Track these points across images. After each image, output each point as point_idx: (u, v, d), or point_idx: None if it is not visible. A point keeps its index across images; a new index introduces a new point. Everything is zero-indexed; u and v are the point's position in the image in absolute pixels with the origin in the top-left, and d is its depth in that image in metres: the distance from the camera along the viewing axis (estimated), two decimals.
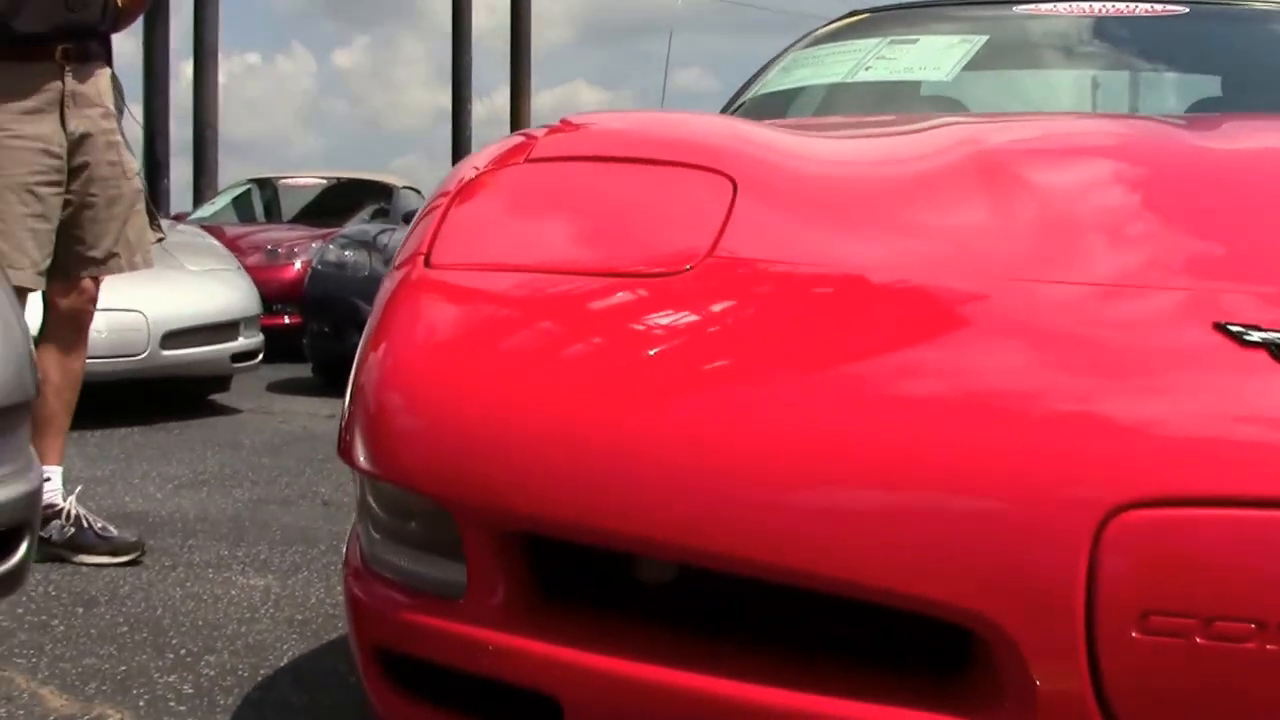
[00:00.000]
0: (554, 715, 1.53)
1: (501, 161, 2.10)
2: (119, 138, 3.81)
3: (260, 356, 7.48)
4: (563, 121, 2.33)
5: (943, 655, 1.48)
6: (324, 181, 13.97)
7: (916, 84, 3.60)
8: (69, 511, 3.75)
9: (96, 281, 3.84)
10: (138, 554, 3.76)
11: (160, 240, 4.03)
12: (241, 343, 7.23)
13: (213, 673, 2.78)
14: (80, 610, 3.24)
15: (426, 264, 1.84)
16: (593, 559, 1.61)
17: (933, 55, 3.58)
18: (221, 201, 13.94)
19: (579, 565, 1.63)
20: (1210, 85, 3.76)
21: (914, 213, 1.89)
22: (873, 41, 3.68)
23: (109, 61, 3.80)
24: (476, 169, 2.08)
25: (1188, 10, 3.77)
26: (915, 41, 3.70)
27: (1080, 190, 1.97)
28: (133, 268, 3.86)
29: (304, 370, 8.77)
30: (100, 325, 6.14)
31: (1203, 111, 3.42)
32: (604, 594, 1.63)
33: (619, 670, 1.50)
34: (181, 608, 3.28)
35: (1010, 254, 1.74)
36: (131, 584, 3.51)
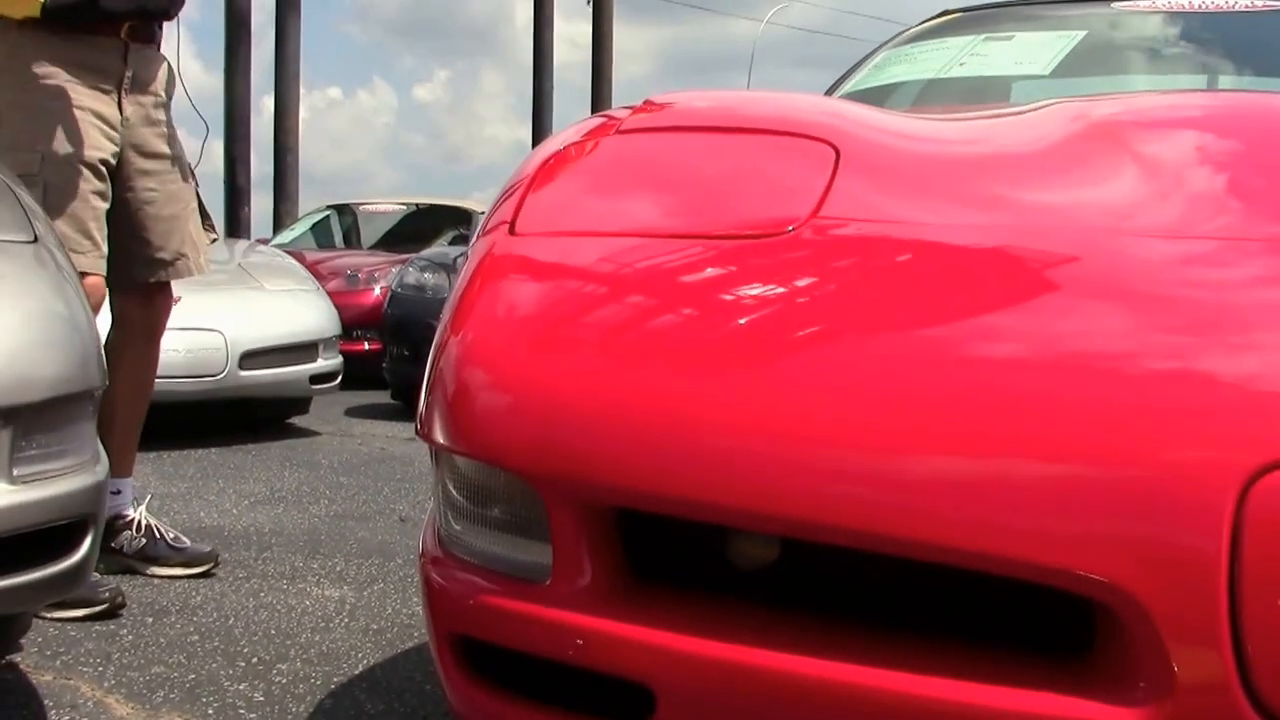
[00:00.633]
0: (646, 705, 1.41)
1: (588, 135, 2.00)
2: (173, 129, 3.66)
3: (339, 378, 7.39)
4: (647, 101, 2.21)
5: (1065, 638, 1.36)
6: (404, 208, 13.92)
7: (1009, 82, 3.48)
8: (140, 522, 3.65)
9: (169, 288, 3.72)
10: (211, 565, 3.67)
11: (214, 240, 3.88)
12: (320, 364, 7.15)
13: (285, 680, 2.68)
14: (150, 620, 3.15)
15: (511, 232, 1.73)
16: (686, 541, 1.50)
17: (1029, 51, 3.48)
18: (301, 228, 13.92)
19: (671, 548, 1.51)
20: None
21: (1024, 182, 1.79)
22: (966, 39, 3.60)
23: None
24: (562, 143, 1.97)
25: None
26: (1011, 38, 3.61)
27: (1189, 157, 1.87)
28: (200, 270, 3.72)
29: (383, 396, 8.70)
30: (178, 344, 6.19)
31: None
32: (698, 578, 1.51)
33: (718, 655, 1.38)
34: (254, 617, 3.19)
35: (1120, 218, 1.64)
36: (204, 595, 3.42)
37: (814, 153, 1.79)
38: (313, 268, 9.12)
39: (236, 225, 17.76)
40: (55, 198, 3.28)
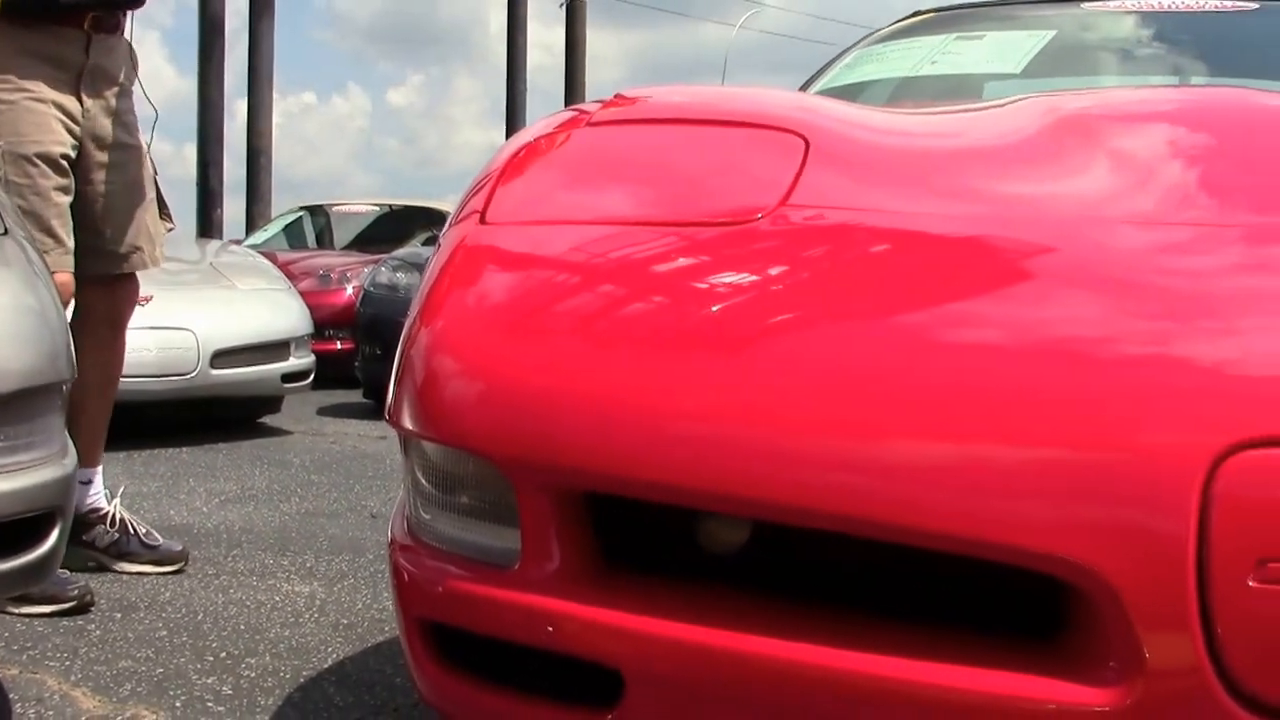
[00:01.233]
0: (615, 689, 1.41)
1: (559, 128, 2.00)
2: (133, 117, 3.62)
3: (311, 377, 7.37)
4: (618, 95, 2.22)
5: (1035, 620, 1.36)
6: (376, 208, 13.89)
7: (982, 81, 3.50)
8: (114, 516, 3.63)
9: (133, 278, 3.67)
10: (182, 564, 3.66)
11: (171, 230, 3.84)
12: (292, 363, 7.12)
13: (253, 674, 2.67)
14: (118, 616, 3.13)
15: (481, 221, 1.73)
16: (655, 525, 1.50)
17: (1000, 50, 3.50)
18: (274, 229, 13.88)
19: (640, 532, 1.51)
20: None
21: (993, 173, 1.80)
22: (938, 38, 3.61)
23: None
24: (533, 136, 1.98)
25: (1258, 7, 3.66)
26: (982, 38, 3.63)
27: (1158, 148, 1.88)
28: (155, 263, 3.67)
29: (356, 395, 8.68)
30: (149, 343, 6.17)
31: None
32: (667, 562, 1.51)
33: (686, 638, 1.38)
34: (224, 613, 3.18)
35: (1088, 207, 1.65)
36: (172, 591, 3.40)
37: (783, 144, 1.79)
38: (285, 268, 9.10)
39: (209, 227, 17.75)
40: (17, 195, 3.24)
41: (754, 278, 1.53)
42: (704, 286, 1.53)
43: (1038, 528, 1.26)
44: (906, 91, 3.43)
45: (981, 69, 3.45)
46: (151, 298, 5.70)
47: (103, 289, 3.61)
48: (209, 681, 2.62)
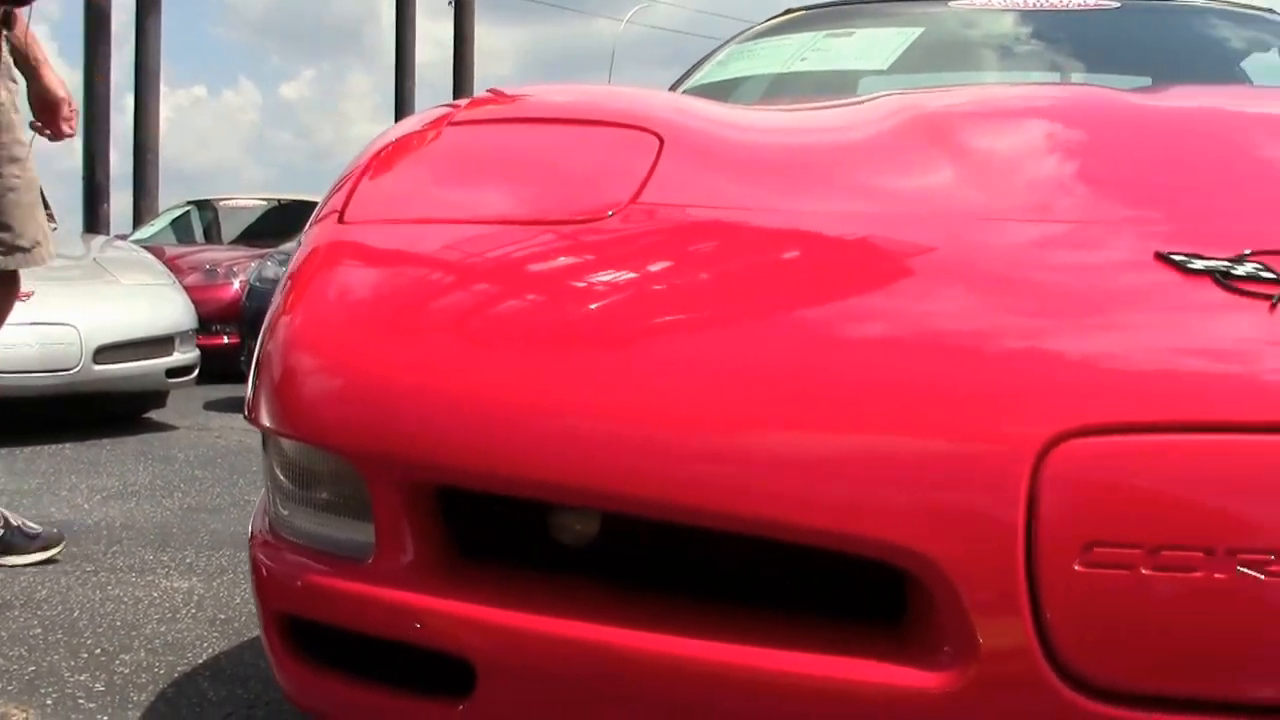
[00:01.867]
0: (467, 679, 1.44)
1: (423, 126, 2.03)
2: (20, 115, 3.62)
3: (196, 372, 7.34)
4: (489, 90, 2.26)
5: (882, 607, 1.40)
6: (264, 203, 13.80)
7: (856, 78, 3.56)
8: None
9: (17, 275, 3.66)
10: (63, 544, 3.68)
11: (55, 229, 3.84)
12: (176, 358, 7.09)
13: (127, 671, 2.67)
14: None
15: (340, 220, 1.76)
16: (509, 519, 1.54)
17: (868, 47, 3.58)
18: (160, 223, 13.76)
19: (494, 526, 1.55)
20: (1140, 82, 3.74)
21: (845, 170, 1.84)
22: (808, 35, 3.68)
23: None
24: (396, 135, 2.00)
25: (1118, 5, 3.76)
26: (851, 34, 3.69)
27: (1014, 144, 1.92)
28: (51, 257, 3.68)
29: (242, 390, 8.54)
30: (30, 339, 6.12)
31: None
32: (521, 555, 1.54)
33: (535, 628, 1.41)
34: (100, 610, 3.17)
35: (934, 202, 1.69)
36: (49, 589, 3.39)
37: (639, 142, 1.83)
38: (172, 262, 9.04)
39: (95, 221, 17.54)
40: None
41: (597, 273, 1.58)
42: (550, 283, 1.56)
43: (874, 516, 1.30)
44: (782, 88, 3.48)
45: (850, 65, 3.52)
46: (33, 293, 5.65)
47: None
48: (82, 679, 2.62)
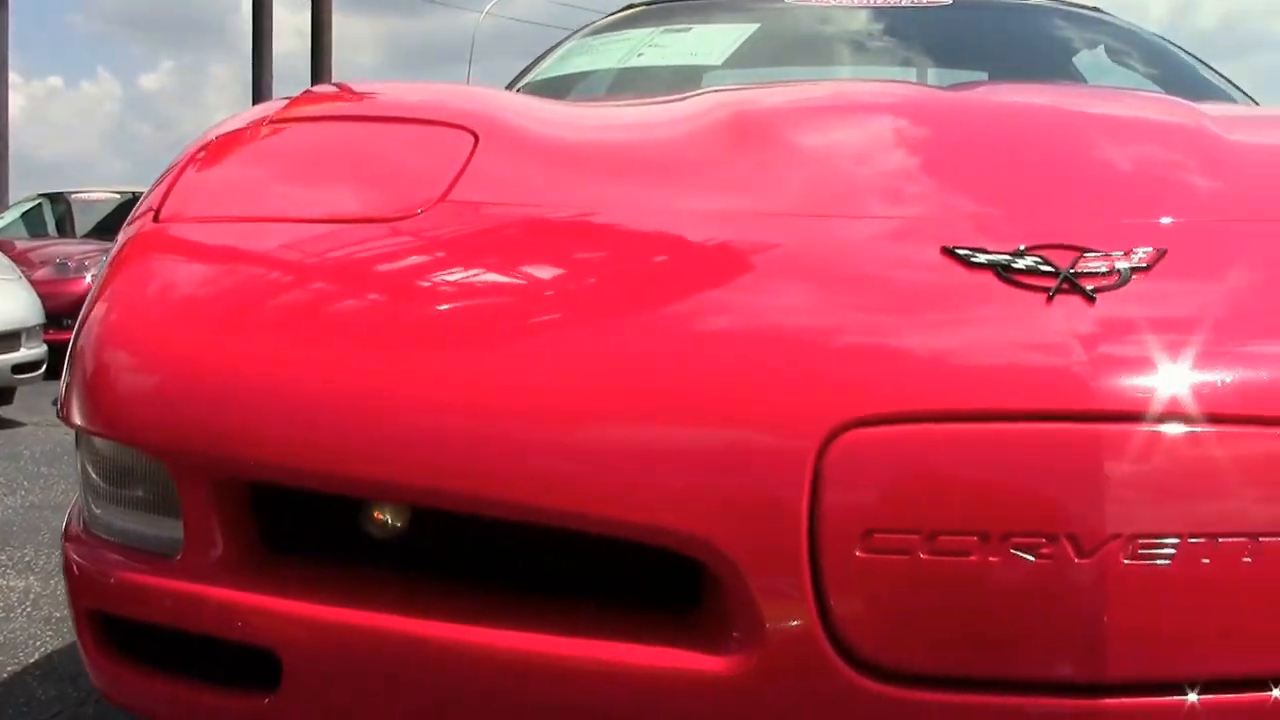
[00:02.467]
0: (275, 672, 1.46)
1: (243, 125, 2.04)
2: None
3: (44, 367, 7.25)
4: (307, 91, 2.28)
5: (685, 595, 1.44)
6: (118, 196, 13.59)
7: (700, 73, 3.61)
8: None
9: None
10: None
11: None
12: (23, 354, 7.00)
13: None
14: None
15: (156, 219, 1.77)
16: (321, 513, 1.56)
17: (704, 43, 3.63)
18: (10, 216, 13.51)
19: (306, 521, 1.57)
20: (976, 78, 3.82)
21: (657, 166, 1.88)
22: (646, 31, 3.72)
23: None
24: (216, 134, 2.01)
25: (952, 2, 3.85)
26: (688, 30, 3.74)
27: (822, 140, 1.96)
28: None
29: None
30: None
31: None
32: (333, 549, 1.57)
33: (338, 619, 1.43)
34: None
35: (744, 198, 1.72)
36: None
37: (453, 139, 1.86)
38: (22, 256, 8.92)
39: None
40: None
41: (409, 272, 1.60)
42: (355, 279, 1.59)
43: (663, 505, 1.33)
44: (625, 83, 3.52)
45: (685, 61, 3.56)
46: None
47: None
48: None
